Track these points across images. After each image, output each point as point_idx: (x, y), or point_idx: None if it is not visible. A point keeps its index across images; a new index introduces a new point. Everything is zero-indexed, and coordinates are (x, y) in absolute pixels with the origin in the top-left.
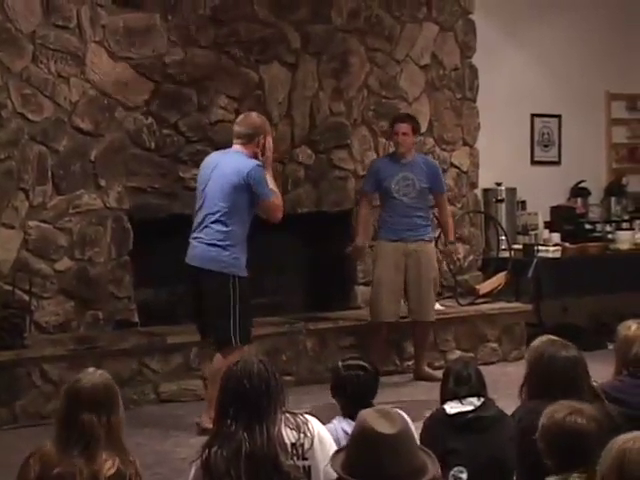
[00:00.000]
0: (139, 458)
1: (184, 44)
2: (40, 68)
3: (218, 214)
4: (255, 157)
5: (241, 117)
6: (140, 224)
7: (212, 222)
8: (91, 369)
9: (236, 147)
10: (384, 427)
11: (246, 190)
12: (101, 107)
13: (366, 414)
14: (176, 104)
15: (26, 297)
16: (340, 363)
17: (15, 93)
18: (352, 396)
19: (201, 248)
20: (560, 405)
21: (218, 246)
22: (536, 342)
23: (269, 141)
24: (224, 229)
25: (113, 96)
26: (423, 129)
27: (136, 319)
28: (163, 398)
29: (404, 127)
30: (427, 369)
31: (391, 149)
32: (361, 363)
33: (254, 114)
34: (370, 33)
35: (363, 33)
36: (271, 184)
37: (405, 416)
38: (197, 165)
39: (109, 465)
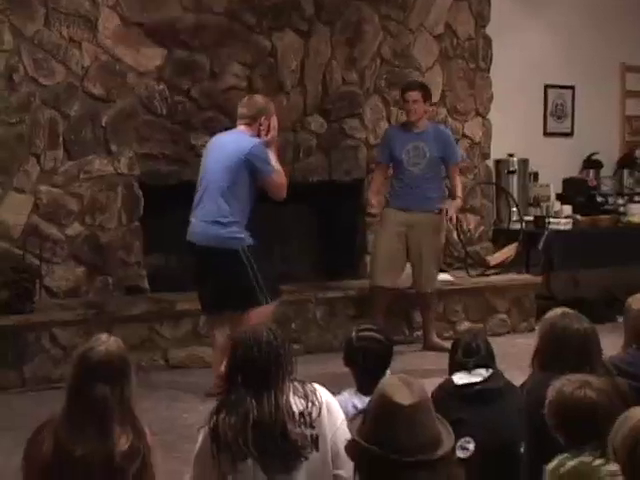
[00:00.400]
0: (147, 424)
1: (197, 10)
2: (52, 32)
3: (219, 192)
4: (258, 136)
5: (245, 99)
6: (151, 190)
7: (213, 199)
8: (104, 335)
9: (240, 127)
10: (402, 397)
11: (248, 167)
12: (113, 72)
13: (386, 382)
14: (188, 71)
15: (36, 262)
16: (354, 334)
17: (27, 57)
18: (364, 367)
19: (202, 226)
20: (567, 380)
21: (219, 223)
22: (549, 314)
23: (274, 121)
24: (225, 207)
25: (125, 61)
26: (436, 99)
27: (146, 285)
28: (172, 364)
29: (414, 94)
30: (436, 339)
31: (403, 119)
32: (374, 335)
33: (258, 96)
34: (384, 1)
35: (377, 1)
36: (275, 163)
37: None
38: (208, 132)
39: (123, 441)
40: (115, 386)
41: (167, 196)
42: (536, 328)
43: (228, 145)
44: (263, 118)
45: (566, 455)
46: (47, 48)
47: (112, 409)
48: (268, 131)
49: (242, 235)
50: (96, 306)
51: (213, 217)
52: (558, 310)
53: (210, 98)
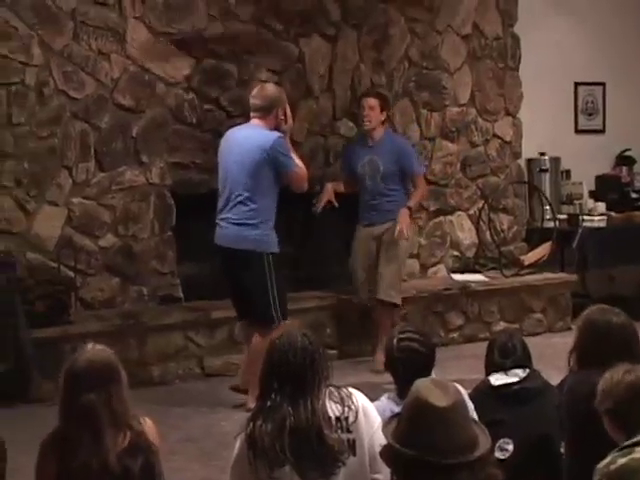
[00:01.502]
0: (185, 432)
1: (224, 18)
2: (81, 45)
3: (244, 192)
4: (276, 129)
5: (257, 89)
6: (182, 200)
7: (239, 201)
8: (89, 345)
9: (254, 121)
10: (437, 399)
11: (269, 164)
12: (142, 83)
13: (420, 384)
14: (217, 79)
15: (71, 273)
16: (394, 342)
17: (57, 71)
18: (404, 377)
19: (231, 229)
20: (613, 370)
21: (248, 225)
22: (588, 310)
23: (288, 110)
24: (252, 206)
25: (154, 72)
26: (465, 100)
27: (180, 294)
28: (208, 372)
29: (371, 101)
30: (379, 357)
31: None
32: (414, 346)
33: (270, 85)
34: (410, 3)
35: (403, 3)
36: (294, 156)
37: (461, 389)
38: None
39: (120, 441)
40: (100, 392)
41: (198, 205)
42: (572, 327)
43: (247, 141)
44: (279, 109)
45: (618, 453)
46: (76, 61)
47: (101, 415)
48: (286, 121)
49: (269, 239)
50: (131, 316)
51: (241, 219)
52: (595, 307)
53: (239, 106)
